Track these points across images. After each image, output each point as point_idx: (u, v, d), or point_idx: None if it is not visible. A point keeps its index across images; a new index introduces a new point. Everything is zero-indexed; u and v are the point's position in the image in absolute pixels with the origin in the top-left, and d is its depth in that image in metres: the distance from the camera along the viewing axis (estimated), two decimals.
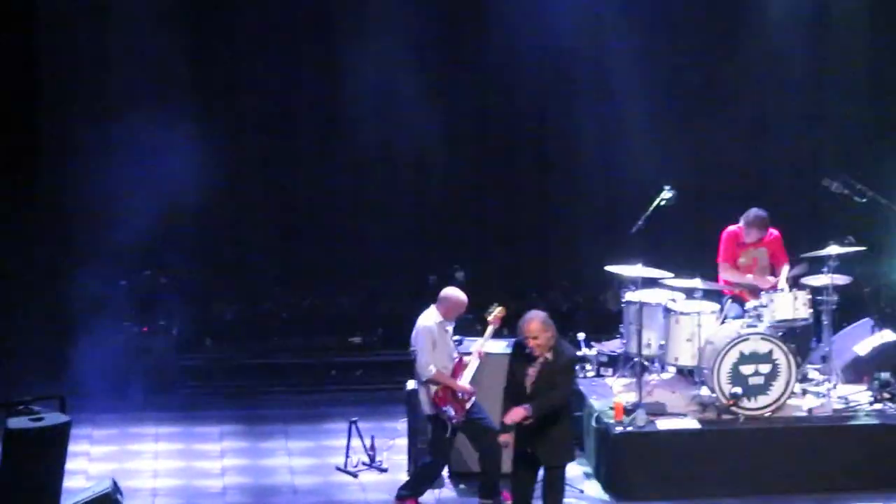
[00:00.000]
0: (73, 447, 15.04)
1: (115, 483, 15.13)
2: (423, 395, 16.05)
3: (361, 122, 21.01)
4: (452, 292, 16.25)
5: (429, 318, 16.14)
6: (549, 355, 14.37)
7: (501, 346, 16.23)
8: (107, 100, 20.52)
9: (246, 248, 20.87)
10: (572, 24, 20.80)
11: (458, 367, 16.09)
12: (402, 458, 16.96)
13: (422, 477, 16.14)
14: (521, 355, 14.55)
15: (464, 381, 16.01)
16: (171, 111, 20.08)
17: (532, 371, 14.41)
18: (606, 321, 19.19)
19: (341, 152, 21.14)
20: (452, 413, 15.89)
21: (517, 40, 20.92)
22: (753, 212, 17.52)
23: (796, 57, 21.42)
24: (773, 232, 17.61)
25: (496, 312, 16.23)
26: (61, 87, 20.46)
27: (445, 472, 16.50)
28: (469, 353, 16.26)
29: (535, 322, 14.39)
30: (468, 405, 15.97)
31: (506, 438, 14.55)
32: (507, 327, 16.46)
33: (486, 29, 21.16)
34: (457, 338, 16.49)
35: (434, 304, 16.23)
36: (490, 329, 16.20)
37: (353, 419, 17.35)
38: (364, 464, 17.21)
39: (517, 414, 14.29)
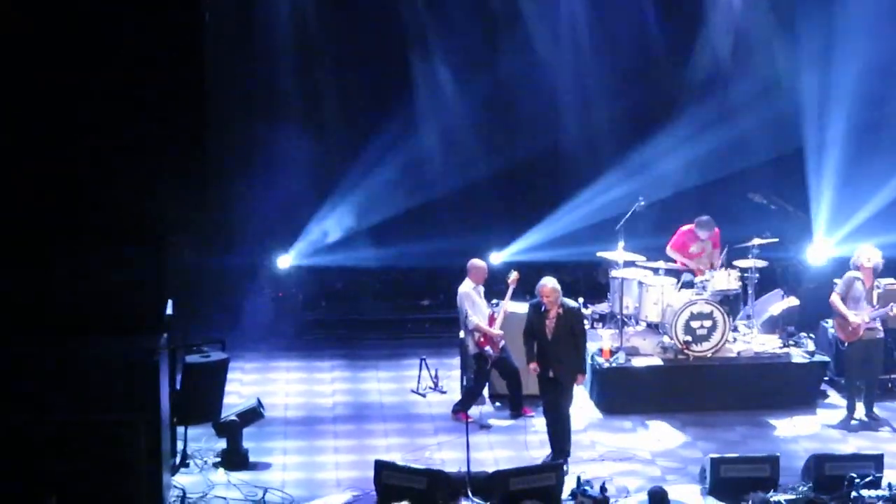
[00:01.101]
0: (230, 375, 15.46)
1: (259, 400, 15.44)
2: (469, 341, 16.08)
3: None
4: (475, 262, 16.26)
5: (465, 286, 16.18)
6: (560, 310, 14.62)
7: (519, 307, 15.91)
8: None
9: (349, 238, 20.25)
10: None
11: (492, 320, 16.09)
12: (456, 385, 16.89)
13: (469, 396, 16.11)
14: (538, 313, 14.67)
15: (496, 328, 16.06)
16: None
17: (549, 322, 14.58)
18: (598, 290, 18.84)
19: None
20: (491, 352, 16.00)
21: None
22: (705, 217, 17.47)
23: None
24: (715, 229, 17.53)
25: (513, 276, 16.09)
26: None
27: (486, 394, 16.55)
28: (498, 309, 16.22)
29: (549, 286, 14.64)
30: (500, 346, 16.14)
31: (534, 366, 14.69)
32: (522, 291, 16.31)
33: None
34: (494, 301, 16.42)
35: (467, 276, 16.26)
36: (510, 289, 16.03)
37: (423, 357, 17.50)
38: (430, 388, 17.29)
39: (581, 379, 14.78)
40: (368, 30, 19.89)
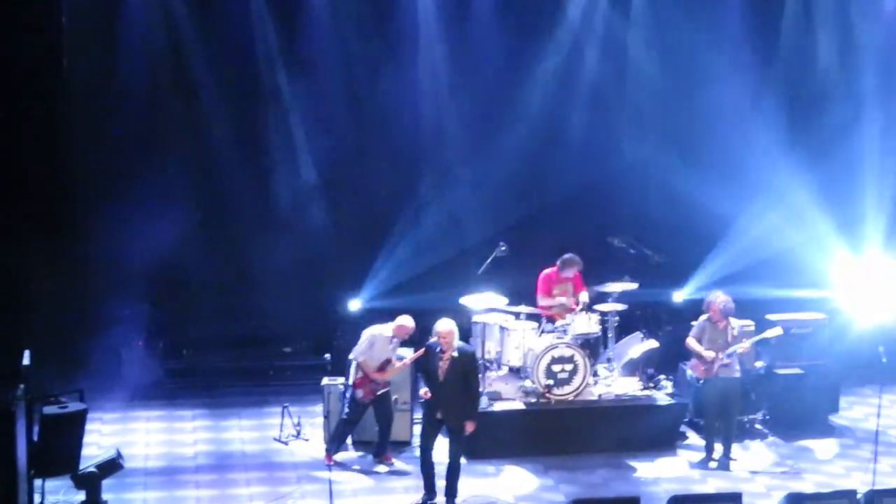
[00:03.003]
0: (89, 426, 15.16)
1: (118, 451, 15.22)
2: (352, 370, 16.06)
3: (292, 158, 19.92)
4: (402, 318, 16.09)
5: (378, 328, 16.13)
6: (454, 353, 14.69)
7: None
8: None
9: (209, 286, 19.94)
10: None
11: (385, 365, 16.01)
12: (319, 432, 16.83)
13: (336, 436, 16.11)
14: (432, 353, 14.76)
15: (384, 377, 15.99)
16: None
17: (443, 364, 14.65)
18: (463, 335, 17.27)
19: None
20: (360, 394, 15.99)
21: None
22: (568, 256, 17.38)
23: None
24: (578, 272, 17.44)
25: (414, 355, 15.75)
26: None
27: (349, 440, 16.43)
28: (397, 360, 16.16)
29: (446, 327, 14.70)
30: (380, 392, 16.03)
31: (424, 391, 14.68)
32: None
33: None
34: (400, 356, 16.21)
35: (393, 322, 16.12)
36: (423, 350, 15.25)
37: (286, 405, 17.36)
38: (292, 436, 17.16)
39: (470, 427, 14.77)
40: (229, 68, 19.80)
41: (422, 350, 15.33)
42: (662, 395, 17.17)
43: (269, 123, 19.97)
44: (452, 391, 14.71)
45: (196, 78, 19.48)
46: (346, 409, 16.21)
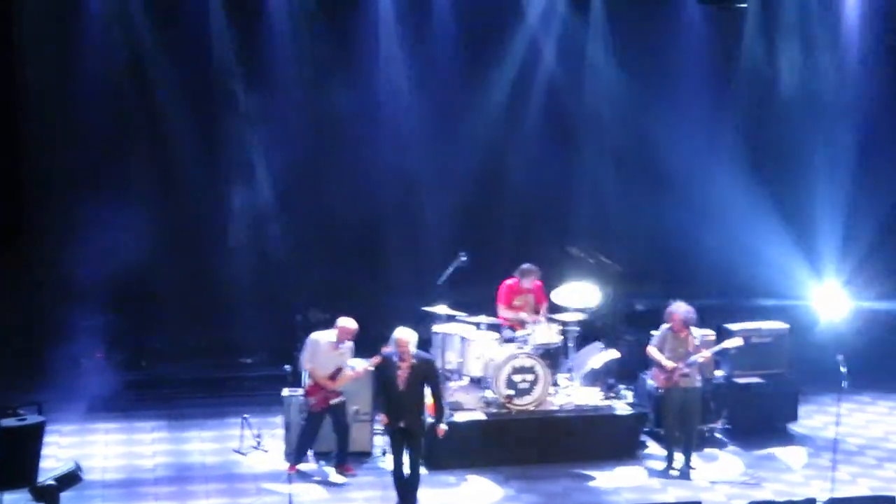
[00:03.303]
0: (47, 438, 15.26)
1: (77, 463, 15.15)
2: (306, 379, 16.05)
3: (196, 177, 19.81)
4: (342, 320, 15.94)
5: (319, 334, 16.01)
6: (413, 360, 14.63)
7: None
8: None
9: (170, 297, 19.91)
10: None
11: (335, 374, 15.86)
12: (279, 444, 16.74)
13: (298, 448, 16.03)
14: (390, 363, 14.66)
15: (335, 385, 15.86)
16: None
17: (402, 373, 14.57)
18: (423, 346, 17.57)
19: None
20: (312, 401, 15.89)
21: None
22: (527, 265, 17.36)
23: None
24: (538, 282, 17.50)
25: (369, 364, 15.66)
26: None
27: (310, 452, 16.31)
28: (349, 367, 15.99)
29: (404, 335, 14.66)
30: (333, 402, 15.89)
31: (384, 419, 14.72)
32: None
33: None
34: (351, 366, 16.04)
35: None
36: (379, 358, 15.10)
37: (245, 416, 17.27)
38: (252, 447, 17.08)
39: (441, 431, 14.91)
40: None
41: (377, 358, 15.21)
42: (623, 405, 17.17)
43: (230, 133, 19.94)
44: (413, 399, 14.69)
45: (155, 84, 19.47)
46: (302, 427, 16.16)
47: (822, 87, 20.82)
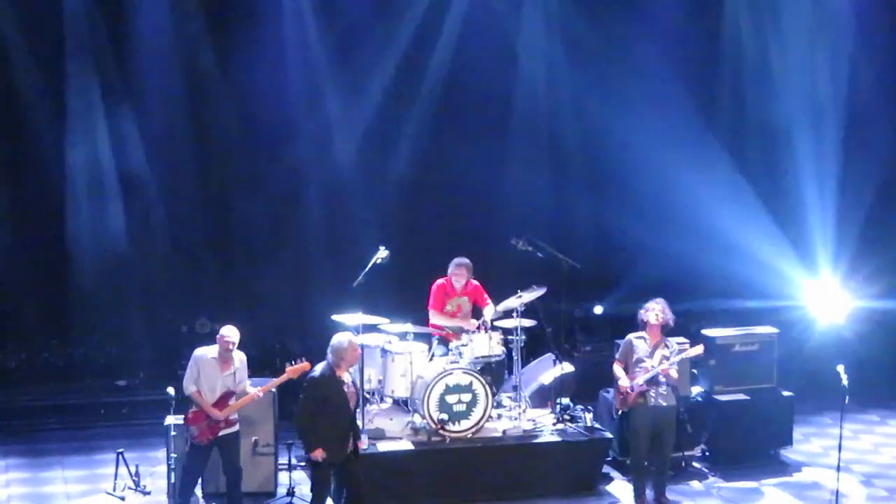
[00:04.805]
0: None
1: None
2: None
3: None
4: (222, 330, 14.59)
5: (208, 349, 14.75)
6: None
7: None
8: None
9: (24, 304, 18.89)
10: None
11: (226, 398, 14.51)
12: (163, 483, 15.55)
13: (181, 486, 14.77)
14: (334, 380, 13.65)
15: (224, 412, 14.49)
16: None
17: (346, 388, 13.81)
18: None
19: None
20: (196, 433, 14.57)
21: None
22: (458, 259, 16.60)
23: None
24: (474, 282, 16.62)
25: (300, 365, 14.56)
26: None
27: (199, 492, 15.22)
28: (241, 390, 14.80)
29: (353, 344, 13.88)
30: (222, 433, 14.54)
31: (320, 453, 13.59)
32: None
33: None
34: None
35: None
36: (285, 376, 14.42)
37: (120, 450, 16.09)
38: (129, 488, 15.80)
39: (362, 444, 14.46)
40: None
41: (283, 377, 14.41)
42: (580, 430, 16.28)
43: (104, 124, 19.11)
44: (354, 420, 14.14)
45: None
46: (183, 465, 15.06)
47: (810, 78, 20.65)
